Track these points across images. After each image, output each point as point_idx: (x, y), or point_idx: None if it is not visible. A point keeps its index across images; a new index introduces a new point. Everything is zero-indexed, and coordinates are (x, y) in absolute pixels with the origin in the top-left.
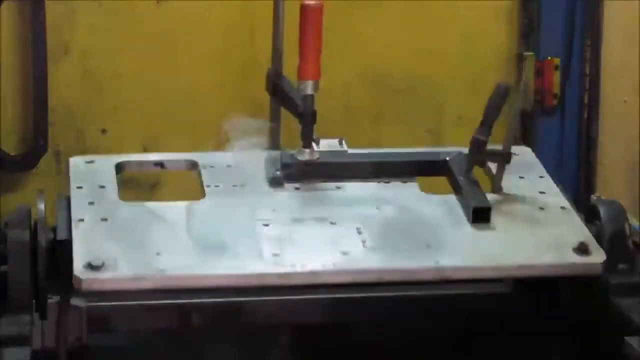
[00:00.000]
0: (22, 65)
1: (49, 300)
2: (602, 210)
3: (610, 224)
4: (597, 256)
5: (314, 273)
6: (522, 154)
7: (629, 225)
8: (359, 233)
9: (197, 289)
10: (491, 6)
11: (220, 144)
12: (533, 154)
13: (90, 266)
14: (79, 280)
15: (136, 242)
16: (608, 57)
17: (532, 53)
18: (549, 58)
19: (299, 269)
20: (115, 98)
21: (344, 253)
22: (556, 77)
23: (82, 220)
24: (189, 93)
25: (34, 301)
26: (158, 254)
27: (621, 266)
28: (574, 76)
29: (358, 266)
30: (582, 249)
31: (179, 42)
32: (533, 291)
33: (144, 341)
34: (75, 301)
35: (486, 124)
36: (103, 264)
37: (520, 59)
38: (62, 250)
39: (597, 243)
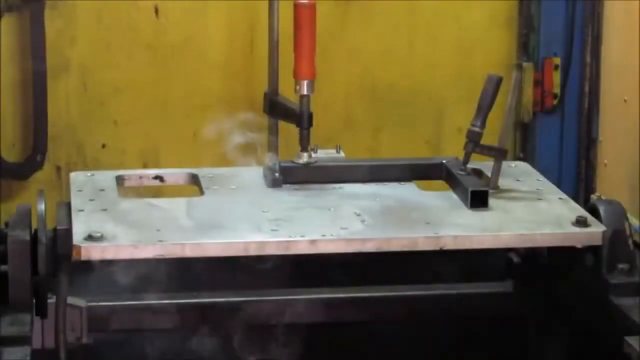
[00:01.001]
0: (22, 81)
1: (49, 300)
2: (602, 210)
3: (610, 224)
4: (597, 227)
5: (312, 242)
6: (520, 166)
7: (629, 225)
8: (358, 215)
9: (196, 259)
10: (490, 16)
11: (221, 158)
12: (530, 167)
13: (90, 237)
14: (79, 248)
15: (135, 223)
16: (608, 57)
17: (530, 63)
18: (549, 58)
19: (298, 238)
20: (115, 112)
21: (343, 228)
22: (556, 77)
23: (82, 210)
24: (189, 106)
25: (34, 301)
26: (158, 230)
27: (621, 266)
28: (574, 76)
29: (357, 236)
30: (581, 222)
31: (178, 56)
32: (533, 291)
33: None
34: (75, 301)
35: (481, 116)
36: (102, 236)
37: (518, 68)
38: (62, 243)
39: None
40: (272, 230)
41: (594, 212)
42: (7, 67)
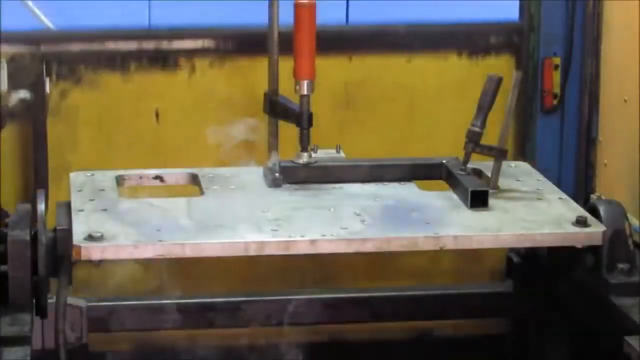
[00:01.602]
0: (23, 185)
1: (49, 300)
2: (602, 210)
3: (610, 224)
4: (597, 227)
5: (312, 242)
6: (520, 166)
7: (629, 225)
8: (358, 215)
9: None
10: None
11: None
12: (530, 167)
13: (90, 237)
14: (79, 248)
15: (135, 223)
16: (608, 57)
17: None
18: (549, 58)
19: (298, 238)
20: None
21: (343, 228)
22: (556, 77)
23: (82, 210)
24: None
25: (34, 301)
26: (158, 230)
27: (621, 266)
28: (573, 76)
29: (357, 236)
30: (581, 222)
31: (179, 158)
32: (533, 291)
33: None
34: (75, 301)
35: (480, 116)
36: (102, 236)
37: (518, 68)
38: (62, 244)
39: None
40: (272, 230)
41: (594, 212)
42: (8, 172)
